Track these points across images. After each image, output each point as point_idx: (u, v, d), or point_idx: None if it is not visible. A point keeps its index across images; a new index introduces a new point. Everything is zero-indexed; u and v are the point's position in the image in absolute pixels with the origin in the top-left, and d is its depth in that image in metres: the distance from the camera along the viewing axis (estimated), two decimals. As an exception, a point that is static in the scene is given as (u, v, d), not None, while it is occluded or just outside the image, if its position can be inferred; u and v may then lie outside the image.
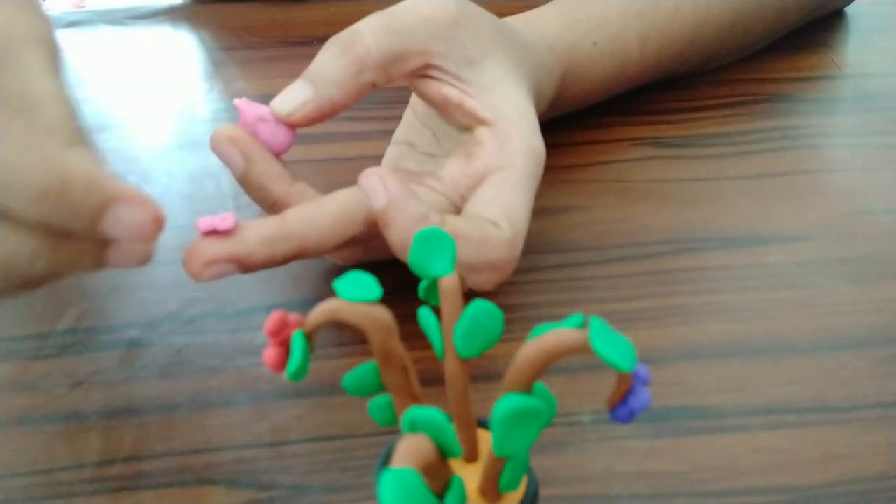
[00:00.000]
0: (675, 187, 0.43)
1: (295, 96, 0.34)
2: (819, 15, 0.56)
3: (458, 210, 0.35)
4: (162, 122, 0.49)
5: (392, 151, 0.40)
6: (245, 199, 0.43)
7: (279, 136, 0.34)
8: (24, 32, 0.28)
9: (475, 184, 0.34)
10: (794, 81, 0.50)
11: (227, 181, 0.44)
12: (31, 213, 0.24)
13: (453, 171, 0.35)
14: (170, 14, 0.61)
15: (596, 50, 0.44)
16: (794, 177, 0.43)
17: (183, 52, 0.57)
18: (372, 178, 0.31)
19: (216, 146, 0.33)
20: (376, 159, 0.40)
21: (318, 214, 0.32)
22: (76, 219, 0.25)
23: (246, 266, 0.31)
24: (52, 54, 0.29)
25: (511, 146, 0.34)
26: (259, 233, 0.31)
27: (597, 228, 0.40)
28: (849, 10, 0.58)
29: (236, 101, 0.34)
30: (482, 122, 0.35)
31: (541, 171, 0.35)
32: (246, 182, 0.34)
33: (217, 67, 0.54)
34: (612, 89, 0.47)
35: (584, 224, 0.40)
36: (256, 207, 0.43)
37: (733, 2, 0.48)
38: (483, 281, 0.33)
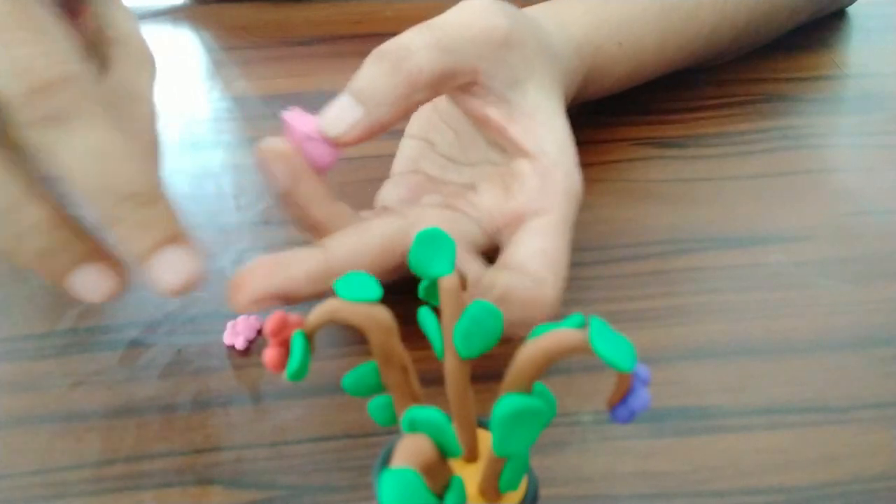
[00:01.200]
0: (675, 187, 0.43)
1: (345, 117, 0.32)
2: (826, 13, 0.56)
3: (489, 239, 0.34)
4: (162, 121, 0.49)
5: (409, 147, 0.39)
6: (245, 199, 0.43)
7: (325, 155, 0.32)
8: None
9: (513, 223, 0.34)
10: (794, 81, 0.50)
11: (228, 181, 0.44)
12: (104, 212, 0.26)
13: (489, 202, 0.34)
14: (170, 14, 0.61)
15: (619, 51, 0.43)
16: (794, 177, 0.43)
17: (183, 51, 0.57)
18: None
19: (264, 162, 0.32)
20: (377, 159, 0.40)
21: (362, 250, 0.31)
22: (137, 233, 0.27)
23: (291, 301, 0.31)
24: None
25: (552, 187, 0.33)
26: (307, 270, 0.30)
27: (597, 228, 0.40)
28: (849, 10, 0.58)
29: (285, 114, 0.32)
30: (524, 153, 0.34)
31: (577, 211, 0.35)
32: (288, 201, 0.33)
33: (218, 67, 0.55)
34: (625, 87, 0.47)
35: (585, 224, 0.40)
36: (258, 208, 0.43)
37: (749, 3, 0.48)
38: (519, 333, 0.32)
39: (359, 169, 0.43)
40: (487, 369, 0.31)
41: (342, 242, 0.32)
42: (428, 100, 0.33)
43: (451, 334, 0.21)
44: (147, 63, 0.33)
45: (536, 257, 0.32)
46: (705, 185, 0.43)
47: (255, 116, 0.49)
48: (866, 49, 0.54)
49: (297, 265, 0.30)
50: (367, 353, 0.21)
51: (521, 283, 0.31)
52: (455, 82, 0.33)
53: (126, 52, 0.33)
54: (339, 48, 0.55)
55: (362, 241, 0.32)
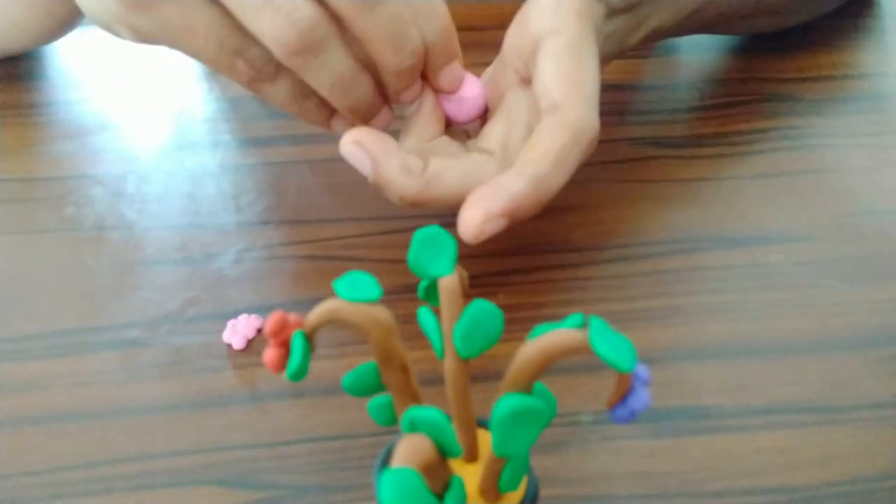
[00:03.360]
0: (675, 187, 0.43)
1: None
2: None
3: (524, 79, 0.36)
4: (162, 122, 0.49)
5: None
6: (245, 199, 0.43)
7: (458, 114, 0.35)
8: None
9: (531, 47, 0.34)
10: (794, 81, 0.50)
11: (228, 181, 0.44)
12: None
13: (511, 36, 0.35)
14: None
15: None
16: (794, 177, 0.43)
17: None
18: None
19: (344, 153, 0.34)
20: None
21: (561, 155, 0.33)
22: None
23: (515, 220, 0.32)
24: None
25: (565, 5, 0.34)
26: (526, 181, 0.32)
27: (597, 228, 0.40)
28: (848, 9, 0.58)
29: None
30: None
31: (599, 30, 0.35)
32: (376, 186, 0.34)
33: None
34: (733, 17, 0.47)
35: (584, 224, 0.40)
36: (257, 208, 0.43)
37: None
38: (582, 159, 0.34)
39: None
40: (487, 369, 0.31)
41: (541, 152, 0.33)
42: None
43: (451, 334, 0.21)
44: None
45: (556, 81, 0.33)
46: (705, 185, 0.43)
47: (254, 117, 0.49)
48: (866, 49, 0.54)
49: (513, 181, 0.32)
50: (367, 353, 0.21)
51: (554, 140, 0.33)
52: None
53: None
54: (338, 48, 0.55)
55: (555, 148, 0.33)
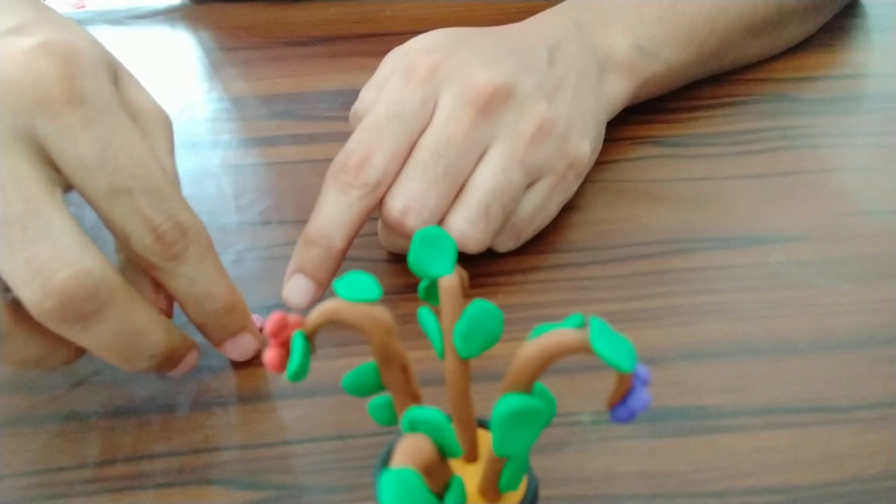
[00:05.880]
0: (675, 187, 0.43)
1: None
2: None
3: None
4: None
5: None
6: (246, 199, 0.43)
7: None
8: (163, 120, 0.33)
9: None
10: (794, 81, 0.50)
11: (228, 181, 0.44)
12: (198, 318, 0.31)
13: None
14: (170, 14, 0.61)
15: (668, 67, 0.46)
16: (794, 177, 0.43)
17: (183, 52, 0.57)
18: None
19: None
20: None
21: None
22: (219, 330, 0.32)
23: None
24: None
25: None
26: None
27: (597, 228, 0.40)
28: (848, 9, 0.58)
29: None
30: None
31: None
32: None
33: (217, 67, 0.55)
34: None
35: (584, 224, 0.40)
36: (257, 208, 0.43)
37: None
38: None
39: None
40: (487, 369, 0.31)
41: None
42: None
43: (451, 334, 0.21)
44: (163, 129, 0.33)
45: None
46: (705, 185, 0.43)
47: (255, 117, 0.49)
48: (866, 49, 0.54)
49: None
50: (367, 353, 0.21)
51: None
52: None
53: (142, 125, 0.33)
54: (339, 48, 0.55)
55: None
